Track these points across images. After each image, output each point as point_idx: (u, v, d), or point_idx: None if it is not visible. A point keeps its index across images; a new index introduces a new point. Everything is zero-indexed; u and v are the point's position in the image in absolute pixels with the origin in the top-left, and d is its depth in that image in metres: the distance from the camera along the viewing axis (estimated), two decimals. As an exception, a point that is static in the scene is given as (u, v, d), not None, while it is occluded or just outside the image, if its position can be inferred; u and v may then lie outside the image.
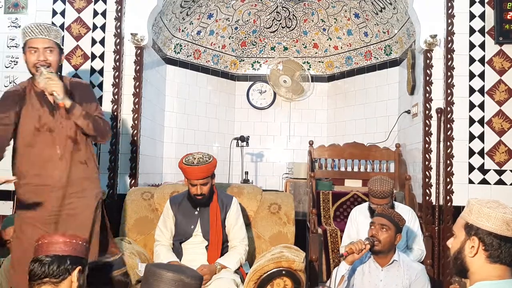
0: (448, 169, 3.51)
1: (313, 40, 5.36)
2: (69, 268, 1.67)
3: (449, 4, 3.58)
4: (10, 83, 3.71)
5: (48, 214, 2.32)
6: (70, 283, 1.68)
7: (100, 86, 3.66)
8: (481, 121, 3.56)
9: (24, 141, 2.34)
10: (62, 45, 2.47)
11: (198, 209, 2.79)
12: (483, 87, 3.57)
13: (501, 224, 1.41)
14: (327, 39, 5.27)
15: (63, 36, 2.39)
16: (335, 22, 5.07)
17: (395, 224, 2.51)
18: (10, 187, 3.64)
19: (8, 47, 3.75)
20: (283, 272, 2.56)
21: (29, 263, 1.69)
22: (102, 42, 3.67)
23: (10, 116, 2.34)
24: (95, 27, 3.69)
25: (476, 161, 3.55)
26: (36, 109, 2.37)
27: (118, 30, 3.65)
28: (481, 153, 3.55)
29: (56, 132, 2.35)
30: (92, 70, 3.67)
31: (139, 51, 3.68)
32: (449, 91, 3.55)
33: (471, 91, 3.57)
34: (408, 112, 4.07)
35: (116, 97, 3.59)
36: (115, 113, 3.59)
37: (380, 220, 2.51)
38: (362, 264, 2.57)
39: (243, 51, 5.46)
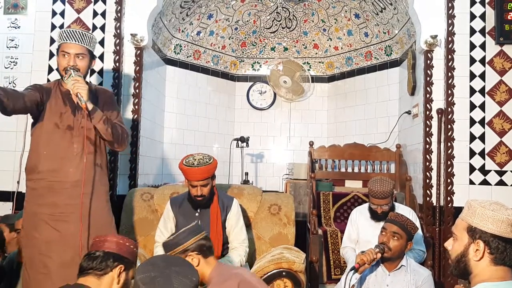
0: (449, 170, 3.51)
1: (313, 40, 5.35)
2: (110, 264, 1.79)
3: (450, 5, 3.57)
4: (9, 83, 3.70)
5: (59, 211, 2.33)
6: (112, 279, 1.80)
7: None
8: (482, 122, 3.55)
9: (43, 137, 2.38)
10: (94, 51, 2.55)
11: (198, 210, 2.78)
12: (483, 87, 3.56)
13: (506, 226, 1.40)
14: (327, 40, 5.26)
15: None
16: (335, 23, 5.06)
17: (408, 232, 2.45)
18: (10, 187, 3.65)
19: (7, 47, 3.74)
20: (283, 273, 2.56)
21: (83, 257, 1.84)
22: (101, 42, 3.66)
23: (35, 94, 2.37)
24: (94, 27, 3.68)
25: (477, 161, 3.54)
26: (59, 107, 2.43)
27: (118, 31, 3.64)
28: (482, 153, 3.54)
29: (75, 131, 2.40)
30: (92, 71, 3.64)
31: (138, 51, 3.67)
32: (449, 91, 3.54)
33: (472, 91, 3.57)
34: (409, 112, 4.06)
35: (115, 98, 3.58)
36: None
37: (392, 228, 2.44)
38: (370, 271, 2.52)
39: (243, 52, 5.46)
